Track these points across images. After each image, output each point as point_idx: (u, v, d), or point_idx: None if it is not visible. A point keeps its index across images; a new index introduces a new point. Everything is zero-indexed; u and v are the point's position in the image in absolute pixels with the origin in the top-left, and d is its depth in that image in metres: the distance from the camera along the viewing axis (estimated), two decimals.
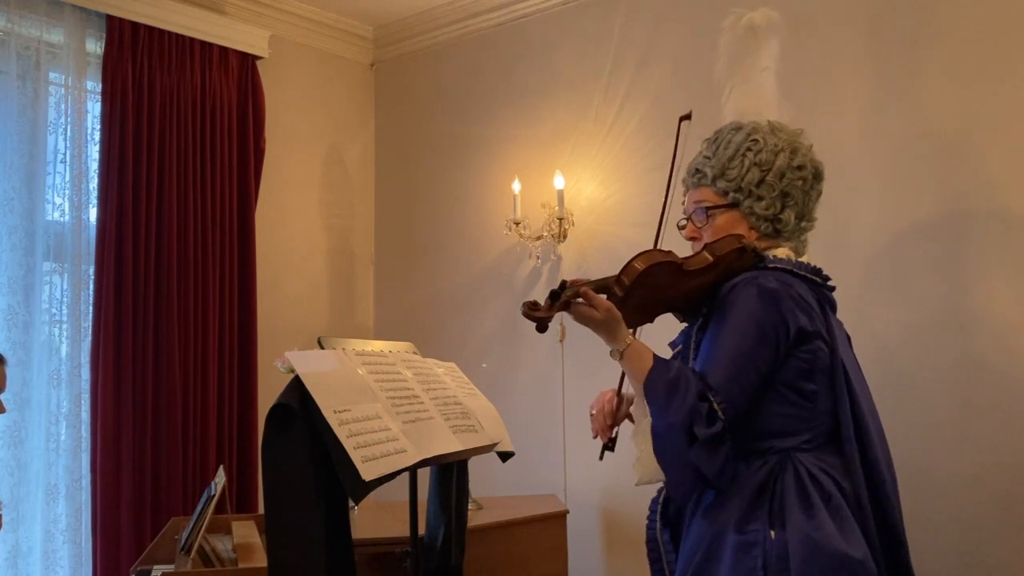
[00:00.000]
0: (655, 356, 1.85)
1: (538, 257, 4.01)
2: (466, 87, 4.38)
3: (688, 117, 2.15)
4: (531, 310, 1.78)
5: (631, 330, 1.93)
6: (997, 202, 2.88)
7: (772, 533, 1.73)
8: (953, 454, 2.90)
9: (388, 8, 4.44)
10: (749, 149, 1.95)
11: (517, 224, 3.95)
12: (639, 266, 1.84)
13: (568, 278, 1.85)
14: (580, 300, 1.82)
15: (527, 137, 4.14)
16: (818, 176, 2.00)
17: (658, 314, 1.99)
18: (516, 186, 3.96)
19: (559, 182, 3.85)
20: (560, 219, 3.88)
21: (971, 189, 2.93)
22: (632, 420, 2.03)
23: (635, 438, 1.89)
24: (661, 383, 1.78)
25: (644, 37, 3.76)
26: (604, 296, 1.85)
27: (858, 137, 3.17)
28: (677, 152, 2.11)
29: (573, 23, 4.01)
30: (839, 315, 2.02)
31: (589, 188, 3.91)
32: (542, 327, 1.80)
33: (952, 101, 2.98)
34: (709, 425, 1.72)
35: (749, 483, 1.79)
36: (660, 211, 2.11)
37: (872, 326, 3.02)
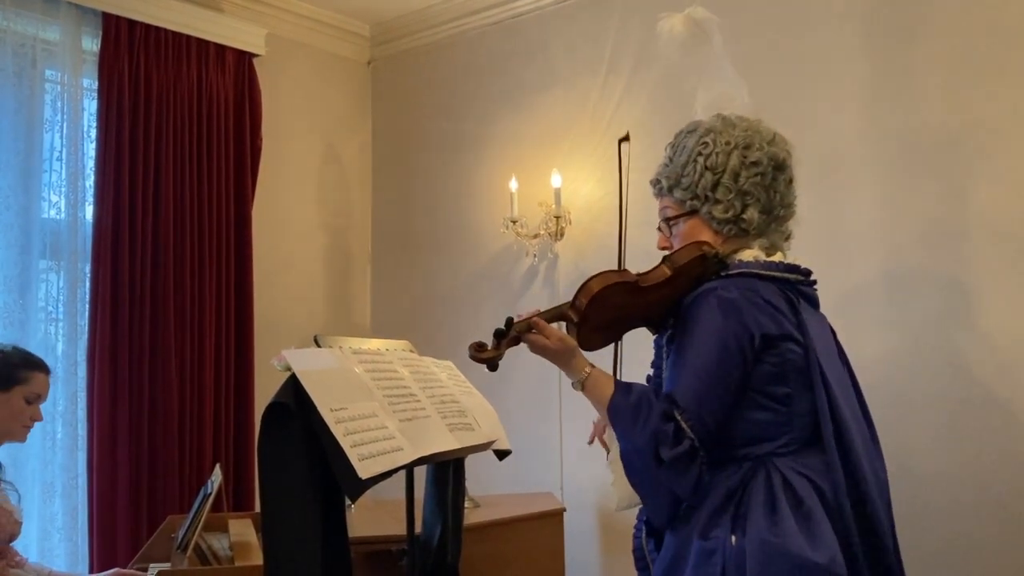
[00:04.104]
0: (616, 382, 1.84)
1: (535, 255, 4.01)
2: (463, 85, 4.38)
3: (627, 139, 2.14)
4: (477, 352, 1.78)
5: (611, 346, 1.92)
6: (995, 200, 2.88)
7: (733, 539, 1.71)
8: (949, 455, 2.90)
9: (385, 6, 4.43)
10: (700, 153, 1.90)
11: (514, 222, 3.95)
12: (593, 288, 1.82)
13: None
14: (531, 332, 1.81)
15: (524, 135, 4.13)
16: (780, 167, 1.91)
17: (623, 332, 1.98)
18: (513, 184, 3.95)
19: (556, 180, 3.85)
20: (557, 217, 3.87)
21: (968, 187, 2.93)
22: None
23: (610, 465, 1.89)
24: (624, 409, 1.77)
25: (640, 35, 3.75)
26: (563, 325, 1.85)
27: (855, 134, 3.17)
28: (622, 175, 2.11)
29: (570, 21, 4.00)
30: (830, 313, 2.00)
31: (586, 187, 3.90)
32: (492, 367, 1.80)
33: (949, 99, 2.98)
34: (675, 445, 1.70)
35: (718, 490, 1.77)
36: (620, 221, 2.11)
37: (867, 325, 3.03)
